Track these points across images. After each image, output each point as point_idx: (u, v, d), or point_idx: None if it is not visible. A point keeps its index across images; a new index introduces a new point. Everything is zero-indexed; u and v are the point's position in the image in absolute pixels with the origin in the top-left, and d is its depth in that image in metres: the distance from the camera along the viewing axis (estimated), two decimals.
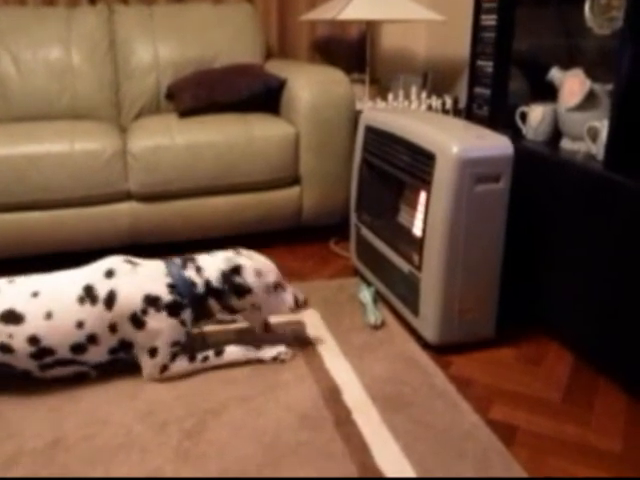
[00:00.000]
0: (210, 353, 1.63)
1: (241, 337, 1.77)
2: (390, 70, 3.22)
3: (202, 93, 2.39)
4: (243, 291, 1.61)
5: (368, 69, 2.85)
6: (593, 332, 1.62)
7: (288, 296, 1.67)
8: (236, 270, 1.60)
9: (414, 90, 2.67)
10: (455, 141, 1.56)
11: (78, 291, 1.50)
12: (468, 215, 1.60)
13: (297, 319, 1.88)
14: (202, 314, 1.61)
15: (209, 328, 1.79)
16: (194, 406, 1.48)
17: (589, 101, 1.69)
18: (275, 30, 3.08)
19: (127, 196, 2.21)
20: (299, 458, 1.31)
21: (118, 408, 1.48)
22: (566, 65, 1.83)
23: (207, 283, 1.59)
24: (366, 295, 1.95)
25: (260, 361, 1.65)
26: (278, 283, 1.66)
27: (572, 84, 1.72)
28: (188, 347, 1.62)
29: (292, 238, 2.54)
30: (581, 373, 1.65)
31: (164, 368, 1.57)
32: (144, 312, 1.51)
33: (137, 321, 1.51)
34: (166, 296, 1.54)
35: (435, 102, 2.64)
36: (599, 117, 1.66)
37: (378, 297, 2.00)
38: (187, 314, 1.57)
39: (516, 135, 1.91)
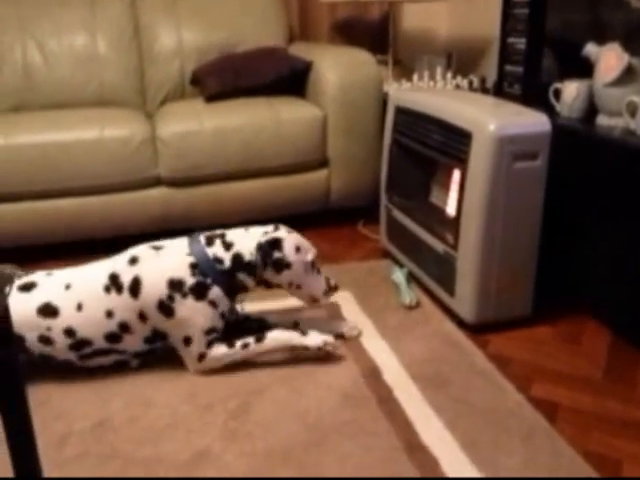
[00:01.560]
0: (250, 340, 1.57)
1: (283, 324, 1.70)
2: (412, 51, 3.19)
3: (228, 78, 2.39)
4: (282, 265, 1.54)
5: (391, 50, 2.83)
6: (631, 309, 1.61)
7: (322, 278, 1.63)
8: (276, 243, 1.54)
9: (439, 70, 2.65)
10: (492, 118, 1.55)
11: (104, 280, 1.50)
12: (506, 193, 1.59)
13: (331, 301, 1.89)
14: (234, 289, 1.56)
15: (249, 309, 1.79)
16: (236, 387, 1.50)
17: (627, 75, 1.66)
18: (296, 13, 3.06)
19: (157, 182, 2.22)
20: (344, 436, 1.32)
21: (161, 390, 1.50)
22: (598, 40, 1.81)
23: (236, 257, 1.53)
24: (399, 276, 1.95)
25: (305, 348, 1.58)
26: (315, 263, 1.61)
27: (609, 59, 1.69)
28: (225, 334, 1.59)
29: (320, 221, 2.54)
30: (620, 350, 1.65)
31: (201, 356, 1.53)
32: (171, 299, 1.48)
33: (165, 309, 1.48)
34: (189, 278, 1.50)
35: (461, 82, 2.62)
36: (638, 92, 1.64)
37: (411, 278, 2.00)
38: (215, 293, 1.52)
39: (550, 112, 1.88)
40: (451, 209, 1.80)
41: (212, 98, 2.38)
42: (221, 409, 1.42)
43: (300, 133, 2.30)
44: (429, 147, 1.82)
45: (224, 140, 2.23)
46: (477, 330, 1.72)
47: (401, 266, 2.05)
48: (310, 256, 1.60)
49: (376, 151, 2.38)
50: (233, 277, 1.54)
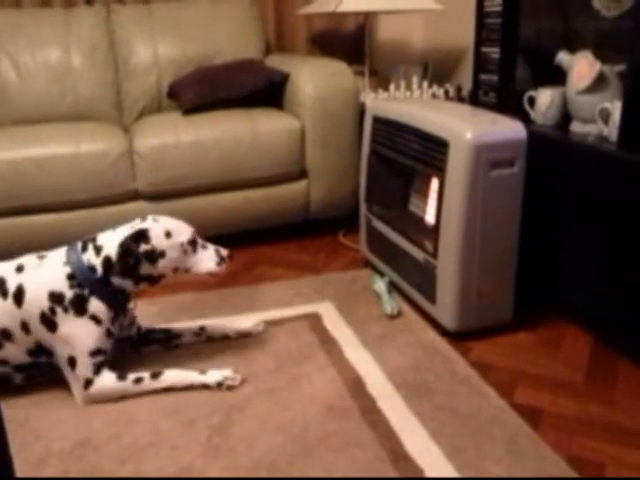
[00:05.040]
0: (145, 375, 1.51)
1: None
2: (388, 61, 3.22)
3: (205, 90, 2.38)
4: (155, 256, 1.48)
5: (368, 60, 2.84)
6: (611, 313, 1.63)
7: (210, 252, 1.57)
8: (141, 235, 1.48)
9: (415, 80, 2.67)
10: (469, 127, 1.56)
11: None
12: (483, 200, 1.60)
13: (313, 311, 1.88)
14: (115, 299, 1.50)
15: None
16: (218, 402, 1.48)
17: (599, 83, 1.69)
18: (272, 25, 3.07)
19: (135, 196, 2.20)
20: (329, 448, 1.31)
21: (142, 407, 1.48)
22: (570, 48, 1.84)
23: (106, 262, 1.46)
24: (380, 285, 1.95)
25: (205, 386, 1.52)
26: (193, 240, 1.54)
27: (581, 66, 1.72)
28: (131, 348, 1.58)
29: (301, 232, 2.54)
30: (601, 354, 1.66)
31: (87, 383, 1.46)
32: (52, 312, 1.43)
33: (48, 322, 1.44)
34: (68, 291, 1.44)
35: (437, 91, 2.64)
36: (610, 98, 1.67)
37: (392, 287, 2.00)
38: (95, 306, 1.46)
39: (525, 120, 1.90)
40: (430, 217, 1.81)
41: (189, 111, 2.37)
42: (204, 425, 1.40)
43: (278, 144, 2.30)
44: (407, 156, 1.83)
45: (202, 153, 2.22)
46: (459, 337, 1.73)
47: (382, 275, 2.05)
48: (185, 236, 1.53)
49: (354, 161, 2.39)
50: (109, 284, 1.48)
